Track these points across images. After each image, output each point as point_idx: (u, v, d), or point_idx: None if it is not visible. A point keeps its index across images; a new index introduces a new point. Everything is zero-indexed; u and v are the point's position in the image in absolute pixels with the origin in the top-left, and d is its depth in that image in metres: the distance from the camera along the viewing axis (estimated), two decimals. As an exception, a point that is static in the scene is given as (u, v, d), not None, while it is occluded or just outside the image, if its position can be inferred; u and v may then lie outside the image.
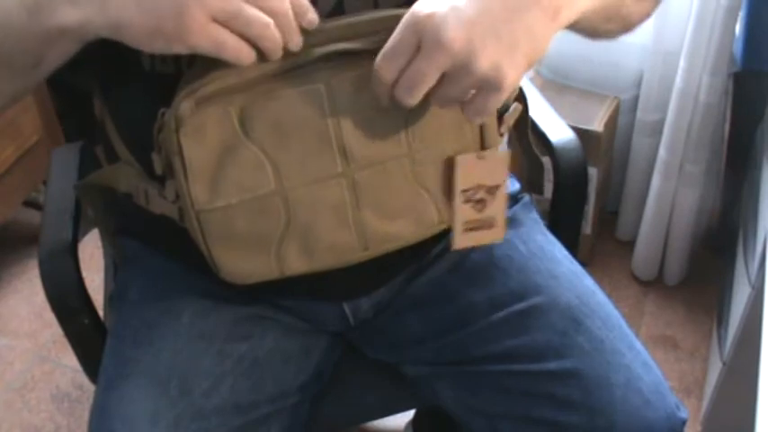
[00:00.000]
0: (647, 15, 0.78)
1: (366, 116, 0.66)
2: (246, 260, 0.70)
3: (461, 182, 0.69)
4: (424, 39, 0.58)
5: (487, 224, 0.72)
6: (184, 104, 0.63)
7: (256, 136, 0.65)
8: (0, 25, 0.62)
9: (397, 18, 0.62)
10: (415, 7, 0.59)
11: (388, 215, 0.70)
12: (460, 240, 0.72)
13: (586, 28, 0.71)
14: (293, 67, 0.64)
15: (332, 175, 0.67)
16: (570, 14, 0.63)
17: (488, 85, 0.60)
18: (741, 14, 1.36)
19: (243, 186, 0.66)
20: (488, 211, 0.71)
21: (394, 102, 0.61)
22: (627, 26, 0.76)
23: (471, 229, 0.72)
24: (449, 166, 0.69)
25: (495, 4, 0.59)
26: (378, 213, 0.70)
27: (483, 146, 0.70)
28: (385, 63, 0.59)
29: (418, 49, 0.58)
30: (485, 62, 0.58)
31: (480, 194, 0.70)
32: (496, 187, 0.70)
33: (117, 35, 0.60)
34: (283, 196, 0.67)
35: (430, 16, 0.57)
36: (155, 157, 0.67)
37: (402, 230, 0.71)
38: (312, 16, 0.62)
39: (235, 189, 0.66)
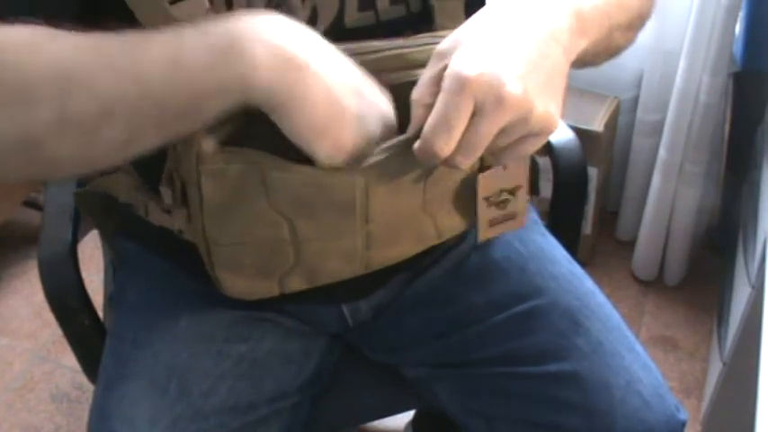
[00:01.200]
0: (633, 42, 0.76)
1: (394, 185, 0.64)
2: (249, 283, 0.71)
3: (482, 192, 0.69)
4: (486, 100, 0.54)
5: (510, 217, 0.72)
6: (206, 144, 0.61)
7: (277, 202, 0.63)
8: (175, 62, 0.56)
9: (400, 57, 0.63)
10: (458, 69, 0.55)
11: (392, 245, 0.71)
12: (484, 233, 0.72)
13: (577, 64, 0.70)
14: None
15: (349, 233, 0.67)
16: (574, 54, 0.62)
17: (540, 133, 0.58)
18: (741, 14, 1.36)
19: (256, 235, 0.66)
20: (510, 207, 0.71)
21: (452, 167, 0.59)
22: (613, 55, 0.74)
23: (495, 224, 0.72)
24: (453, 193, 0.70)
25: (532, 52, 0.57)
26: (384, 248, 0.70)
27: (482, 165, 0.69)
28: (441, 136, 0.55)
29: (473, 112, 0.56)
30: (540, 112, 0.56)
31: (503, 196, 0.70)
32: (518, 188, 0.70)
33: (275, 114, 0.58)
34: (296, 246, 0.67)
35: (482, 76, 0.54)
36: (163, 189, 0.66)
37: (403, 251, 0.73)
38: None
39: (247, 234, 0.66)
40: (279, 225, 0.65)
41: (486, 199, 0.70)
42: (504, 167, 0.68)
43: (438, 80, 0.57)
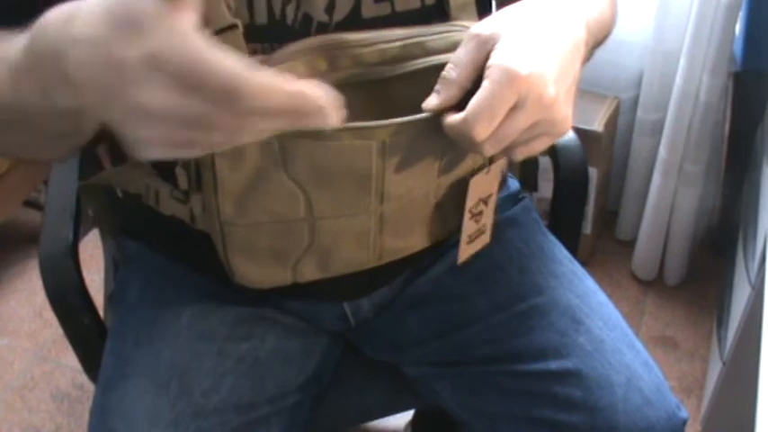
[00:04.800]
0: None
1: (411, 163, 0.66)
2: (263, 269, 0.71)
3: (470, 201, 0.71)
4: (528, 97, 0.58)
5: (481, 231, 0.75)
6: None
7: (296, 172, 0.64)
8: (21, 109, 0.55)
9: (421, 46, 0.64)
10: (509, 64, 0.57)
11: (404, 233, 0.72)
12: (464, 251, 0.75)
13: None
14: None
15: (363, 212, 0.68)
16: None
17: (555, 134, 0.62)
18: (741, 14, 1.36)
19: (272, 211, 0.66)
20: (483, 219, 0.74)
21: (474, 151, 0.61)
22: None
23: (472, 240, 0.75)
24: (461, 186, 0.71)
25: (565, 58, 0.61)
26: (396, 235, 0.71)
27: (491, 161, 0.71)
28: (483, 123, 0.58)
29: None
30: (563, 115, 0.60)
31: (480, 207, 0.73)
32: (489, 196, 0.73)
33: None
34: (311, 224, 0.68)
35: (531, 75, 0.57)
36: (179, 171, 0.67)
37: (414, 243, 0.74)
38: (328, 120, 0.48)
39: (263, 212, 0.66)
40: (296, 199, 0.65)
41: (470, 210, 0.72)
42: (488, 172, 0.70)
43: (478, 65, 0.60)
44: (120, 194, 0.76)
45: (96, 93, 0.47)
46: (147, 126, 0.46)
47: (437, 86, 0.61)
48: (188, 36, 0.44)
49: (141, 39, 0.44)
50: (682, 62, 1.42)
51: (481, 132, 0.58)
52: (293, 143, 0.62)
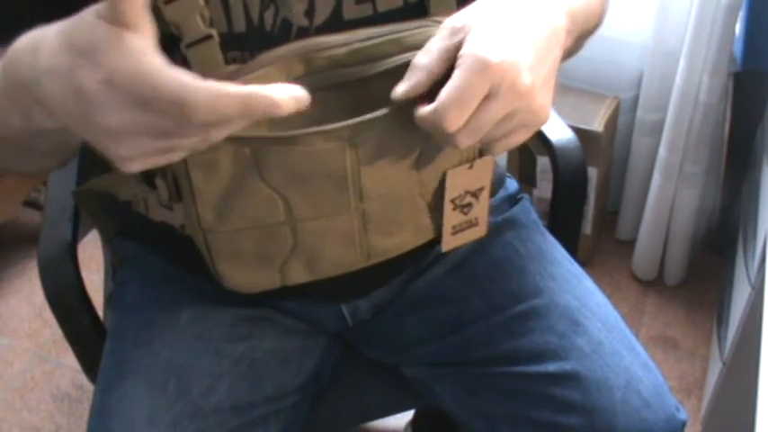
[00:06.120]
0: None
1: (385, 159, 0.65)
2: (250, 274, 0.71)
3: (450, 192, 0.70)
4: (502, 86, 0.56)
5: (472, 223, 0.74)
6: None
7: (271, 178, 0.64)
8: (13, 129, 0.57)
9: (397, 43, 0.63)
10: (480, 52, 0.56)
11: (392, 232, 0.71)
12: (448, 242, 0.74)
13: None
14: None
15: (344, 211, 0.67)
16: (563, 53, 0.65)
17: (533, 125, 0.60)
18: (741, 14, 1.36)
19: (252, 217, 0.66)
20: (473, 212, 0.73)
21: (449, 144, 0.60)
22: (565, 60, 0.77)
23: (458, 231, 0.74)
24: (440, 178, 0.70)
25: (540, 46, 0.60)
26: (383, 233, 0.71)
27: (480, 154, 0.70)
28: (454, 113, 0.56)
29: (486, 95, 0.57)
30: (540, 104, 0.59)
31: (467, 199, 0.72)
32: (481, 189, 0.72)
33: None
34: (292, 226, 0.67)
35: (503, 63, 0.56)
36: (159, 182, 0.67)
37: (403, 241, 0.73)
38: (282, 108, 0.50)
39: (243, 218, 0.66)
40: (274, 204, 0.65)
41: (452, 201, 0.71)
42: (471, 167, 0.69)
43: (449, 53, 0.59)
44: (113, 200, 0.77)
45: (69, 118, 0.50)
46: (121, 144, 0.49)
47: (406, 74, 0.60)
48: (139, 56, 0.47)
49: (98, 64, 0.47)
50: (682, 62, 1.42)
51: (453, 123, 0.56)
52: (266, 150, 0.62)
